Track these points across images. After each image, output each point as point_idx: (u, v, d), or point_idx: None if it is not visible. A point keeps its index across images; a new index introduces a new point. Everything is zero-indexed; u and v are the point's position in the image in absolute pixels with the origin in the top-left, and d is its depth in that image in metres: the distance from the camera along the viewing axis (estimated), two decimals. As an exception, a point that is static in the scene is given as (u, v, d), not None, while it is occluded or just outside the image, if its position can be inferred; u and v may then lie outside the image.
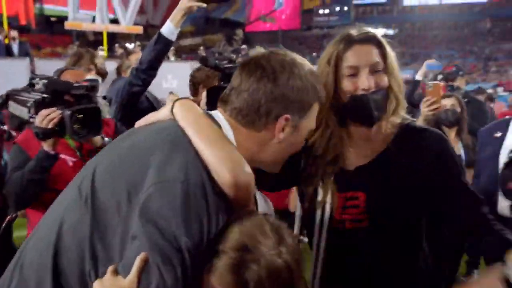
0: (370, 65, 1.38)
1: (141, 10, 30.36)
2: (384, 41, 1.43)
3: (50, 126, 1.84)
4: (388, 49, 1.42)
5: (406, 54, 36.41)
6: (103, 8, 11.90)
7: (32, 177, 1.90)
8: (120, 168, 1.06)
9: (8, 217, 2.45)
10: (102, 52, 11.48)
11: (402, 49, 37.21)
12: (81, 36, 20.08)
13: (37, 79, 1.91)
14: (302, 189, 1.52)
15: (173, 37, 2.19)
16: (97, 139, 2.09)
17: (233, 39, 30.16)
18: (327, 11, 41.34)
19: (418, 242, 1.51)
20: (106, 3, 12.01)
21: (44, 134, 1.85)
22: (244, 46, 16.52)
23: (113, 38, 16.92)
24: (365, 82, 1.36)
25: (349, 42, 1.40)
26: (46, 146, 1.91)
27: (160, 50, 2.28)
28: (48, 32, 26.74)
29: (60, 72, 2.22)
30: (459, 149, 3.21)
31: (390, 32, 42.18)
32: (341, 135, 1.44)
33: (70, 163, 2.08)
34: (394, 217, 1.40)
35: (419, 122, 2.96)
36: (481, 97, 6.99)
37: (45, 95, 1.87)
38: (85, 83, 1.96)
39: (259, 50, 1.33)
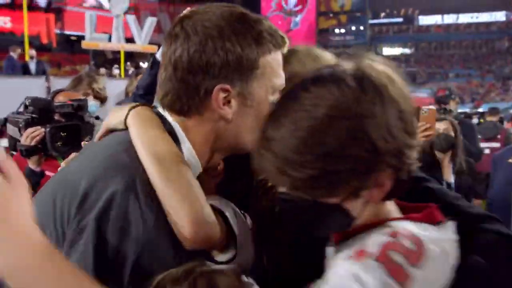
0: None
1: (159, 29, 30.90)
2: None
3: (33, 143, 1.89)
4: None
5: (423, 73, 36.23)
6: (119, 27, 12.15)
7: None
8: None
9: None
10: (117, 70, 11.66)
11: (418, 68, 37.07)
12: (99, 54, 20.46)
13: (30, 100, 1.96)
14: None
15: None
16: None
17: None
18: (343, 30, 41.55)
19: None
20: (122, 23, 12.26)
21: (27, 152, 1.90)
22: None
23: (131, 56, 17.21)
24: None
25: None
26: (31, 163, 1.96)
27: (156, 75, 2.26)
28: (68, 51, 27.31)
29: (55, 93, 2.25)
30: (450, 176, 3.08)
31: (406, 51, 42.15)
32: None
33: None
34: None
35: None
36: (494, 118, 6.86)
37: (33, 115, 1.93)
38: (70, 102, 1.99)
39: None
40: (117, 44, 12.51)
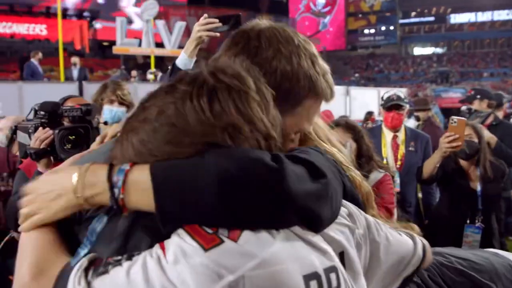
0: None
1: (189, 33, 31.19)
2: None
3: (42, 146, 1.90)
4: None
5: (456, 72, 35.38)
6: (148, 32, 12.36)
7: None
8: None
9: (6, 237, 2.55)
10: (150, 75, 11.84)
11: (451, 68, 36.23)
12: (130, 59, 20.85)
13: (39, 105, 2.00)
14: None
15: (188, 68, 2.16)
16: None
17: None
18: (372, 30, 41.03)
19: None
20: (152, 28, 12.47)
21: (36, 155, 1.90)
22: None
23: (162, 60, 17.46)
24: None
25: None
26: (40, 166, 1.96)
27: None
28: (100, 56, 27.97)
29: (64, 99, 2.29)
30: (476, 184, 2.91)
31: (438, 50, 41.25)
32: None
33: None
34: None
35: (436, 155, 2.83)
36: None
37: (42, 120, 1.94)
38: (79, 106, 2.01)
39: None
40: (147, 48, 12.74)
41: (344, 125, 2.40)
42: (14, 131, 2.15)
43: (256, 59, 0.92)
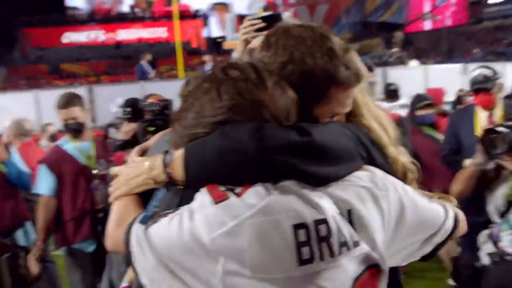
0: None
1: (299, 23, 31.19)
2: None
3: (126, 137, 2.19)
4: None
5: None
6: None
7: None
8: None
9: None
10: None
11: None
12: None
13: (124, 102, 2.32)
14: None
15: None
16: None
17: (391, 42, 29.11)
18: None
19: None
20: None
21: (121, 145, 2.20)
22: (395, 49, 15.88)
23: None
24: None
25: None
26: (126, 156, 2.24)
27: None
28: (215, 52, 29.39)
29: (147, 96, 2.57)
30: None
31: None
32: None
33: None
34: None
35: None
36: None
37: (127, 116, 2.25)
38: (157, 102, 2.24)
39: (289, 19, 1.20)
40: (256, 41, 13.12)
41: None
42: (107, 127, 2.48)
43: (275, 64, 1.05)
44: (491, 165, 2.46)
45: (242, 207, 0.88)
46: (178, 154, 0.96)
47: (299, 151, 0.91)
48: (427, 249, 1.07)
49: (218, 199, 0.89)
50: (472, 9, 37.65)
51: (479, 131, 3.22)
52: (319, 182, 0.93)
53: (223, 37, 19.25)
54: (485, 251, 2.37)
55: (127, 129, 2.21)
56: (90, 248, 3.16)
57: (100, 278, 3.11)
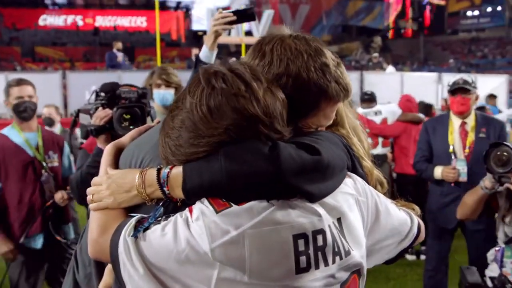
0: None
1: (280, 21, 31.45)
2: None
3: (101, 123, 2.11)
4: None
5: None
6: (237, 21, 12.62)
7: (89, 170, 2.17)
8: None
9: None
10: (232, 63, 12.28)
11: None
12: (223, 47, 21.53)
13: (99, 87, 2.21)
14: None
15: (210, 60, 2.25)
16: None
17: (370, 46, 29.48)
18: (476, 12, 38.12)
19: None
20: (241, 16, 12.71)
21: (96, 131, 2.11)
22: (375, 54, 16.14)
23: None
24: None
25: None
26: (99, 142, 2.17)
27: None
28: (195, 45, 29.15)
29: (121, 86, 2.49)
30: None
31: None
32: None
33: None
34: None
35: None
36: None
37: (103, 101, 2.15)
38: (135, 89, 2.18)
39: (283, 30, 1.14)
40: (236, 37, 13.06)
41: None
42: (77, 114, 2.36)
43: (268, 75, 1.03)
44: (500, 189, 2.42)
45: (245, 216, 0.88)
46: (176, 174, 0.93)
47: (311, 172, 0.92)
48: (393, 253, 1.14)
49: (221, 208, 0.88)
50: (450, 20, 38.50)
51: (452, 139, 3.30)
52: (317, 198, 0.95)
53: (204, 31, 19.18)
54: (489, 272, 2.38)
55: (102, 115, 2.12)
56: (38, 244, 2.96)
57: (44, 275, 3.00)
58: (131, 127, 2.08)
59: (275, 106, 0.94)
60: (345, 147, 1.10)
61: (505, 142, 2.31)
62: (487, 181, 2.47)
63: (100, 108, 2.14)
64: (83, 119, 2.33)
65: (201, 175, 0.91)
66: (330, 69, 1.06)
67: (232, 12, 2.08)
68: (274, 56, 1.05)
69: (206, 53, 2.22)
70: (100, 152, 2.17)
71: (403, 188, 4.97)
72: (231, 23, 2.06)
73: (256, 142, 0.90)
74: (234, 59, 12.58)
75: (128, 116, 2.10)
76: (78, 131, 2.82)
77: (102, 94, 2.18)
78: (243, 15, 2.06)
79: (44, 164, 2.98)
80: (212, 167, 0.90)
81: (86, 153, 2.33)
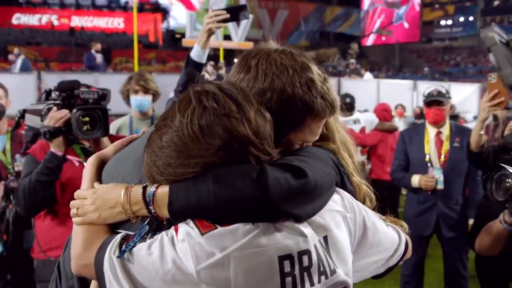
0: None
1: (259, 25, 31.48)
2: None
3: (56, 125, 1.92)
4: None
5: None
6: (216, 25, 12.62)
7: (39, 178, 1.97)
8: None
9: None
10: (210, 67, 12.13)
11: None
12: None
13: (56, 85, 2.02)
14: None
15: (202, 59, 2.22)
16: (107, 143, 2.08)
17: (347, 53, 29.83)
18: (449, 22, 39.02)
19: None
20: (220, 21, 12.72)
21: (50, 133, 1.92)
22: (352, 61, 16.33)
23: (232, 53, 17.78)
24: None
25: None
26: (53, 147, 1.98)
27: (191, 72, 2.30)
28: (173, 48, 28.91)
29: (80, 85, 2.36)
30: None
31: (524, 43, 38.33)
32: None
33: (77, 164, 2.12)
34: None
35: (478, 121, 2.57)
36: None
37: (57, 101, 1.97)
38: (96, 90, 2.01)
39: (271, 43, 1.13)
40: (215, 41, 13.04)
41: None
42: (22, 114, 2.14)
43: (253, 90, 1.03)
44: None
45: (230, 239, 0.87)
46: (162, 194, 0.92)
47: (298, 195, 0.92)
48: (381, 269, 1.15)
49: (206, 229, 0.88)
50: (424, 28, 39.28)
51: (428, 148, 3.38)
52: (303, 219, 0.94)
53: (182, 34, 19.07)
54: None
55: (58, 116, 1.92)
56: None
57: (6, 283, 2.75)
58: (94, 131, 1.93)
59: (265, 127, 0.93)
60: (334, 163, 1.10)
61: (502, 165, 1.98)
62: (506, 216, 2.07)
63: (55, 108, 1.95)
64: (29, 121, 2.09)
65: (188, 197, 0.90)
66: (316, 85, 1.04)
67: (225, 9, 2.05)
68: (259, 70, 1.04)
69: (198, 52, 2.18)
70: (53, 157, 2.00)
71: (379, 193, 5.04)
72: (225, 21, 2.04)
73: (245, 166, 0.89)
74: (212, 62, 12.46)
75: (87, 119, 1.93)
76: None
77: (57, 93, 1.99)
78: (236, 13, 2.04)
79: (9, 167, 2.84)
80: (200, 190, 0.89)
81: (34, 159, 2.12)
